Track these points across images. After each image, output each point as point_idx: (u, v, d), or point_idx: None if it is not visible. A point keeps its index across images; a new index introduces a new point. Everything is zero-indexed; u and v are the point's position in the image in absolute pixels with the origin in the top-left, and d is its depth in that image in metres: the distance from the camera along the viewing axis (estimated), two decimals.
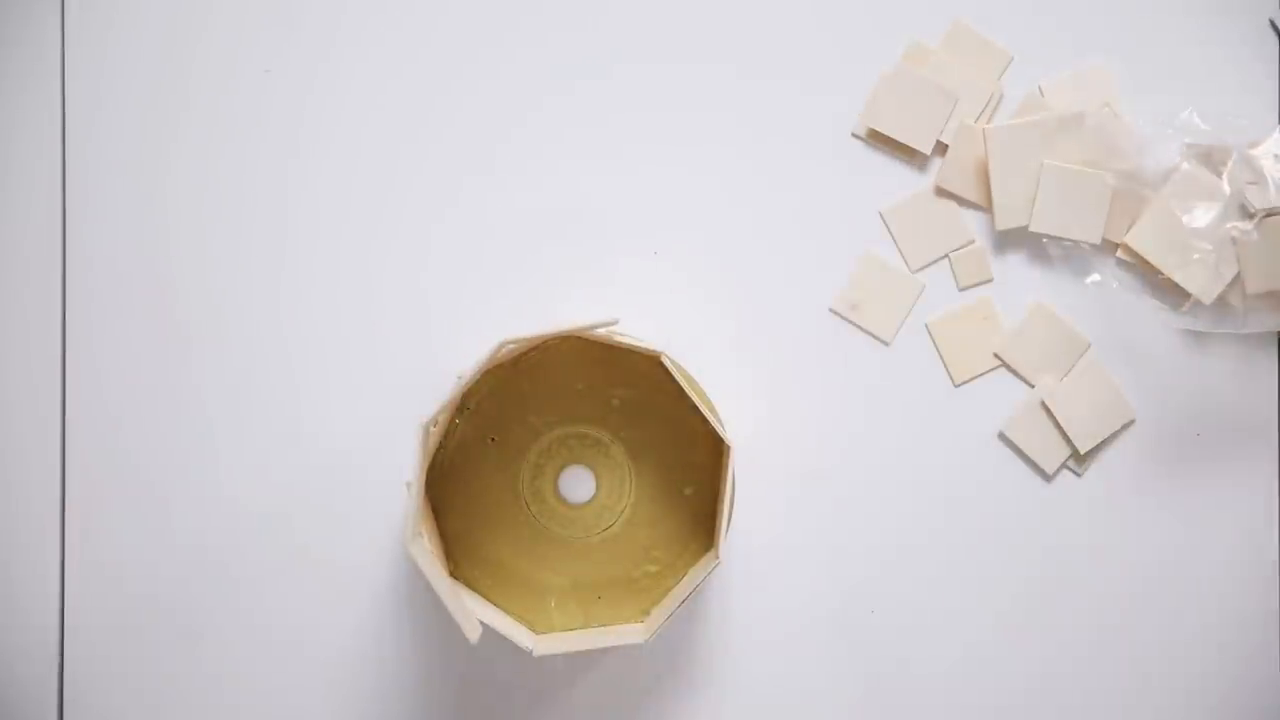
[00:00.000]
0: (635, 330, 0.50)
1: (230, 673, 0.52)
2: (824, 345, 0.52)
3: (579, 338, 0.47)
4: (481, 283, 0.52)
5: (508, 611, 0.49)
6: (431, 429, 0.45)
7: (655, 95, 0.53)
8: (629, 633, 0.47)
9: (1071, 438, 0.52)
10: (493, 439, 0.49)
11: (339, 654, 0.52)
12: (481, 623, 0.45)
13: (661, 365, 0.46)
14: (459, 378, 0.46)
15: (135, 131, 0.52)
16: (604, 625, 0.49)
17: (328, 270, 0.52)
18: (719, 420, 0.46)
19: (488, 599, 0.49)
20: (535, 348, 0.49)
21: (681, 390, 0.46)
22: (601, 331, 0.46)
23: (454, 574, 0.49)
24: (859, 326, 0.53)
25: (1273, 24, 0.53)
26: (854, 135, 0.53)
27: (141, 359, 0.52)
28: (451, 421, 0.49)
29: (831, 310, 0.53)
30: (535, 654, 0.45)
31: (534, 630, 0.49)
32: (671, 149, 0.53)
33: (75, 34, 0.52)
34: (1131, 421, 0.53)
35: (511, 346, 0.45)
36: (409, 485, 0.44)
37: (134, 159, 0.52)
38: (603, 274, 0.53)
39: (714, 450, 0.49)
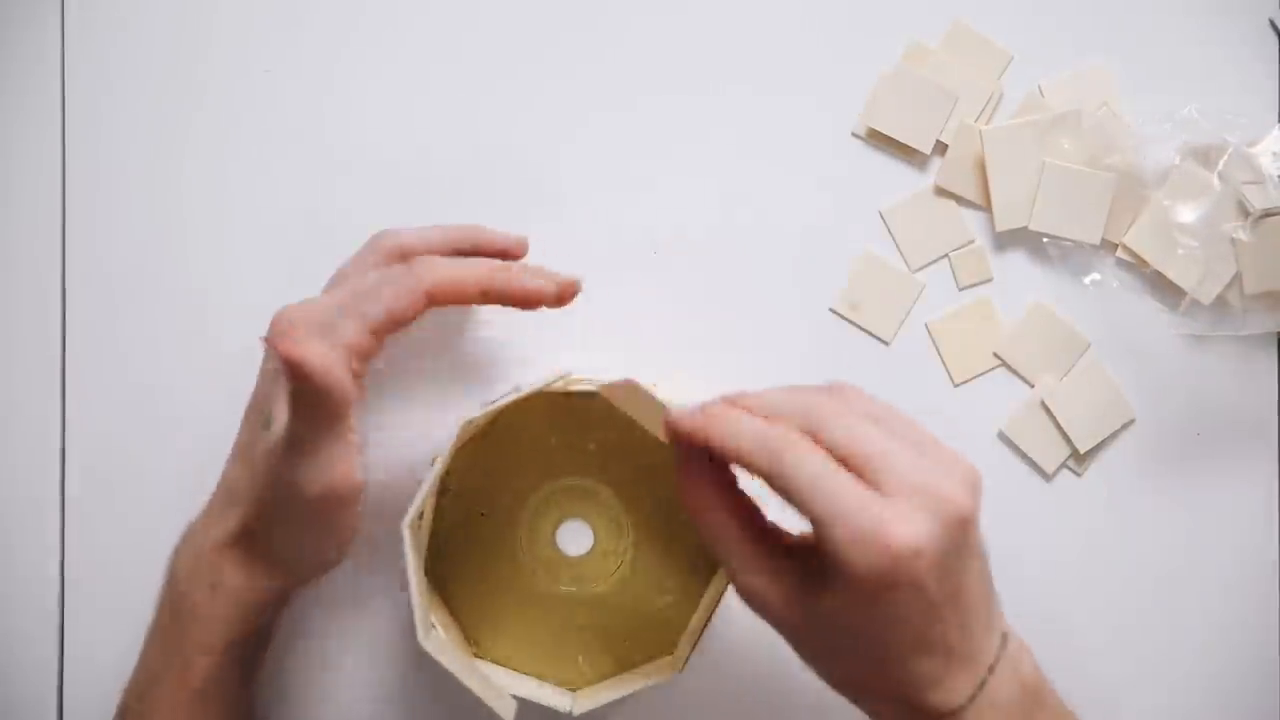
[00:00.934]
0: (634, 330, 0.51)
1: None
2: (824, 345, 0.52)
3: (541, 394, 0.46)
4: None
5: (539, 675, 0.49)
6: (418, 522, 0.45)
7: (654, 95, 0.53)
8: (659, 669, 0.47)
9: (1071, 437, 0.52)
10: (482, 513, 0.49)
11: (339, 653, 0.52)
12: (515, 697, 0.45)
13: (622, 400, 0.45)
14: (433, 462, 0.45)
15: (135, 132, 0.52)
16: (634, 665, 0.49)
17: (327, 268, 0.52)
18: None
19: (516, 668, 0.49)
20: (500, 414, 0.48)
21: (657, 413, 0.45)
22: (558, 384, 0.45)
23: (478, 654, 0.49)
24: (859, 326, 0.53)
25: (1272, 24, 0.53)
26: (854, 135, 0.53)
27: (142, 359, 0.52)
28: (438, 506, 0.49)
29: (831, 310, 0.53)
30: (575, 714, 0.45)
31: (569, 686, 0.49)
32: (671, 148, 0.53)
33: (75, 34, 0.52)
34: (1131, 421, 0.53)
35: (474, 421, 0.44)
36: (410, 576, 0.44)
37: (134, 159, 0.52)
38: (602, 274, 0.52)
39: None
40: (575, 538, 0.50)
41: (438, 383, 0.52)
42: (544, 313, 0.52)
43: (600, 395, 0.45)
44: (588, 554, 0.50)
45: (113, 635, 0.52)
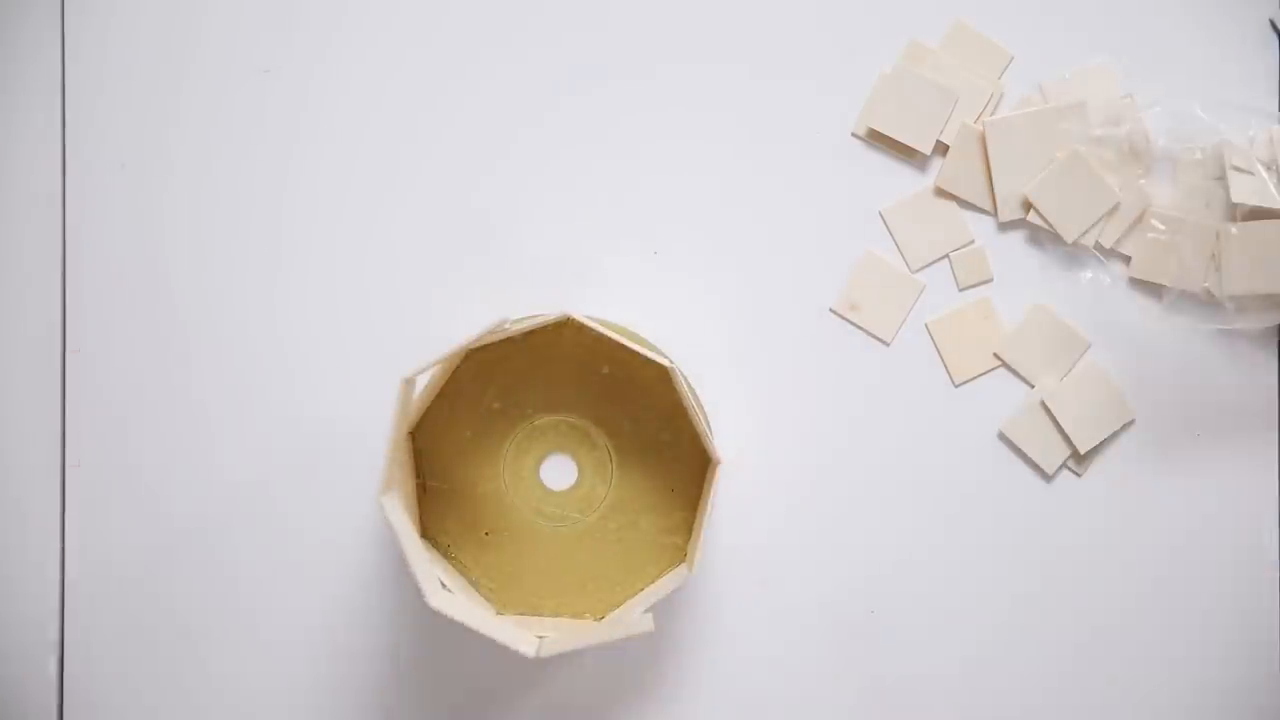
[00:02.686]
0: (634, 330, 0.50)
1: (231, 671, 0.52)
2: (824, 345, 0.52)
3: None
4: (480, 278, 0.52)
5: (558, 613, 0.49)
6: (394, 489, 0.45)
7: (654, 95, 0.53)
8: (633, 624, 0.46)
9: (1071, 438, 0.52)
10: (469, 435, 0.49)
11: (339, 653, 0.52)
12: (481, 632, 0.45)
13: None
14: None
15: (134, 131, 0.52)
16: (637, 590, 0.49)
17: (326, 266, 0.52)
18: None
19: (538, 613, 0.49)
20: (455, 369, 0.48)
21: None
22: (495, 335, 0.45)
23: (499, 609, 0.49)
24: (859, 327, 0.53)
25: (1273, 24, 0.53)
26: (854, 135, 0.53)
27: (140, 354, 0.52)
28: (418, 467, 0.49)
29: (831, 310, 0.53)
30: (542, 655, 0.45)
31: (592, 616, 0.49)
32: (671, 148, 0.53)
33: (75, 34, 0.52)
34: (1131, 422, 0.53)
35: (411, 379, 0.44)
36: (401, 541, 0.44)
37: (133, 158, 0.52)
38: (602, 273, 0.53)
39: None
40: (560, 473, 0.50)
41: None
42: (547, 313, 0.52)
43: (550, 330, 0.45)
44: (575, 486, 0.50)
45: (114, 635, 0.52)
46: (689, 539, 0.49)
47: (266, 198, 0.52)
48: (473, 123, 0.53)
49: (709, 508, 0.46)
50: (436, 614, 0.42)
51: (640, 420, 0.50)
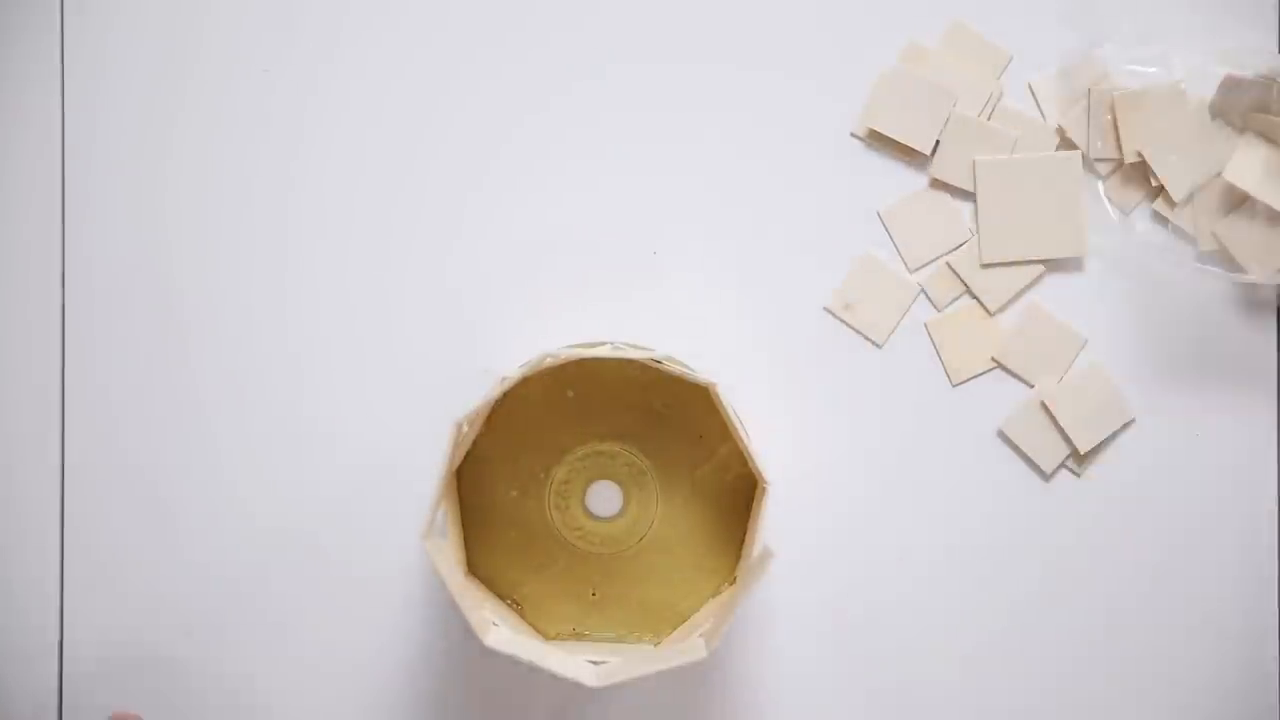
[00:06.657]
0: (635, 329, 0.51)
1: (235, 672, 0.52)
2: (823, 345, 0.52)
3: (542, 372, 0.46)
4: (479, 283, 0.53)
5: (619, 638, 0.49)
6: (440, 529, 0.45)
7: (654, 95, 0.53)
8: (688, 650, 0.46)
9: (1070, 437, 0.52)
10: (514, 493, 0.49)
11: (340, 660, 0.52)
12: (534, 664, 0.44)
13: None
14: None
15: (134, 131, 0.53)
16: (688, 613, 0.49)
17: (331, 270, 0.53)
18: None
19: (592, 639, 0.49)
20: (500, 402, 0.48)
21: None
22: (546, 364, 0.45)
23: (549, 637, 0.50)
24: (854, 328, 0.53)
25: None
26: (854, 135, 0.53)
27: (142, 362, 0.52)
28: (462, 500, 0.49)
29: (826, 310, 0.53)
30: (598, 687, 0.45)
31: (650, 639, 0.49)
32: (671, 149, 0.53)
33: (74, 34, 0.53)
34: (1130, 421, 0.52)
35: (462, 423, 0.44)
36: (447, 584, 0.44)
37: (133, 159, 0.53)
38: (601, 273, 0.53)
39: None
40: (605, 501, 0.50)
41: (433, 391, 0.52)
42: (545, 316, 0.52)
43: (597, 361, 0.45)
44: (620, 513, 0.50)
45: (113, 637, 0.52)
46: (737, 558, 0.49)
47: (269, 198, 0.53)
48: (474, 123, 0.53)
49: (759, 529, 0.45)
50: (492, 652, 0.42)
51: (681, 444, 0.50)
